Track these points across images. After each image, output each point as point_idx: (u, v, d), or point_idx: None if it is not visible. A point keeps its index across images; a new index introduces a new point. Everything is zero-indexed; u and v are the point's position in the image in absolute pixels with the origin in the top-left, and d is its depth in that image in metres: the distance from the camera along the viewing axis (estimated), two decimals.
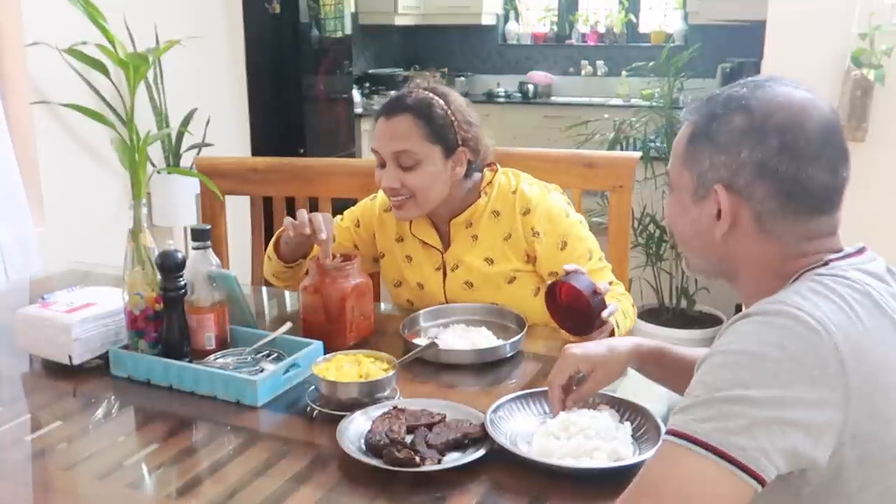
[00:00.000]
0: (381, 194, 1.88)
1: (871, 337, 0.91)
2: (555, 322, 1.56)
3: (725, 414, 0.87)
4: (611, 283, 1.74)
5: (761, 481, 0.86)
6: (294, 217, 1.68)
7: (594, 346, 1.31)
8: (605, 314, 1.48)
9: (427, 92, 1.72)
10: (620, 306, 1.61)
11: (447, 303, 1.80)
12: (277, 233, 1.85)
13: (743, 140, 0.98)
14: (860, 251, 1.02)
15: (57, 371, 1.54)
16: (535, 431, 1.24)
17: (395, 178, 1.70)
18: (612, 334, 1.57)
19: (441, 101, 1.71)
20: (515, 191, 1.77)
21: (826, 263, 0.98)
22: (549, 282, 1.55)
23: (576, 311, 1.49)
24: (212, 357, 1.51)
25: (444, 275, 1.81)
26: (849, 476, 0.91)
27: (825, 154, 0.98)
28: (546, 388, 1.36)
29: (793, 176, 0.97)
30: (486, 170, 1.81)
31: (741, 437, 0.86)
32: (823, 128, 0.98)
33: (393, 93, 1.80)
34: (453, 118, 1.70)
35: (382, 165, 1.73)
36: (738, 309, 1.09)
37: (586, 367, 1.28)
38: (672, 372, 1.28)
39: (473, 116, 1.76)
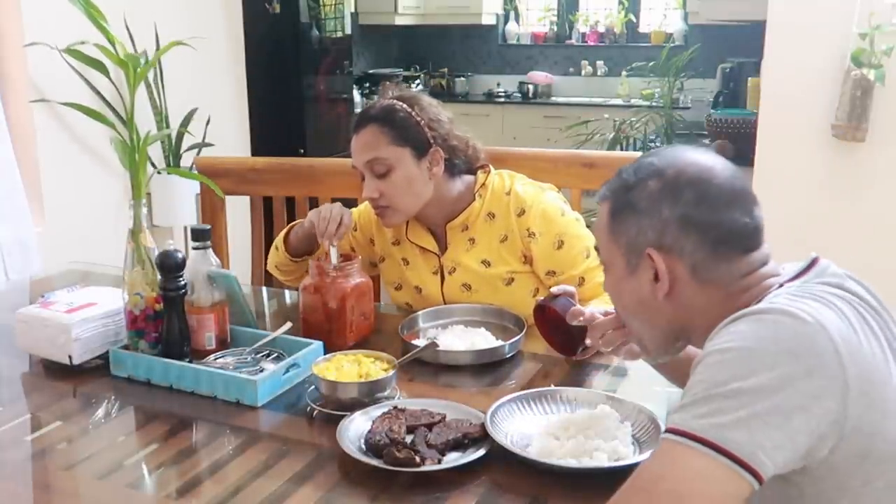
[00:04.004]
0: None
1: (857, 332, 0.93)
2: (542, 337, 1.56)
3: (722, 409, 0.87)
4: None
5: (758, 477, 0.86)
6: (315, 213, 1.70)
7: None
8: (588, 342, 1.42)
9: (391, 100, 1.74)
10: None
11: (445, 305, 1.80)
12: (290, 225, 1.87)
13: (661, 199, 1.03)
14: (813, 263, 1.04)
15: (57, 371, 1.54)
16: (536, 431, 1.24)
17: (374, 188, 1.71)
18: None
19: (404, 105, 1.72)
20: (509, 192, 1.77)
21: (781, 286, 1.01)
22: (539, 300, 1.55)
23: (561, 332, 1.50)
24: (212, 357, 1.51)
25: (442, 278, 1.81)
26: (852, 472, 0.91)
27: (737, 199, 1.03)
28: (547, 388, 1.36)
29: (714, 222, 1.02)
30: (479, 172, 1.81)
31: (738, 431, 0.86)
32: (731, 177, 1.05)
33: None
34: (419, 118, 1.71)
35: (363, 179, 1.74)
36: None
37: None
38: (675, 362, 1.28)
39: (444, 116, 1.77)
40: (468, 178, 1.81)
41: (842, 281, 1.00)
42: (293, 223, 1.87)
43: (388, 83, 1.83)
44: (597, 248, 1.16)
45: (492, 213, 1.77)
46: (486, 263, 1.77)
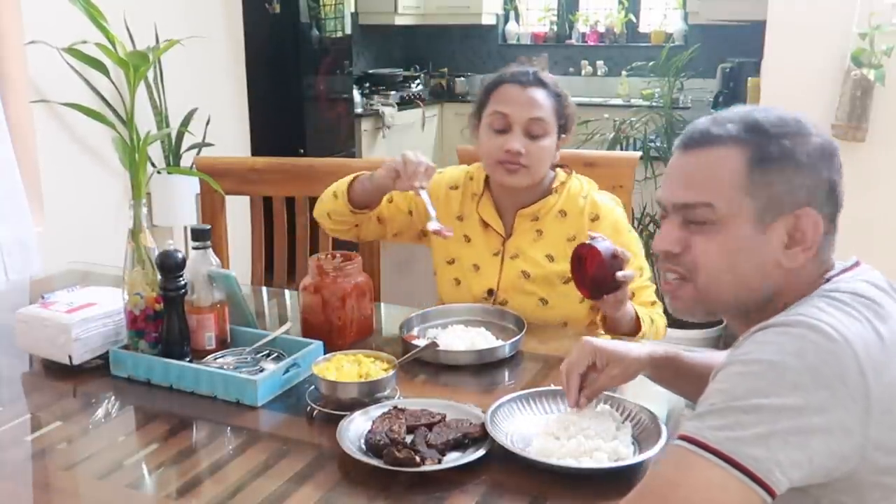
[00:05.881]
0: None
1: (887, 349, 0.90)
2: (575, 284, 1.60)
3: (741, 423, 0.86)
4: (653, 304, 1.79)
5: (771, 493, 0.85)
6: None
7: (612, 342, 1.30)
8: (619, 275, 1.53)
9: (552, 77, 1.83)
10: (635, 310, 1.67)
11: (498, 288, 1.81)
12: (354, 175, 1.82)
13: (822, 159, 0.97)
14: (856, 265, 1.02)
15: (57, 371, 1.54)
16: (536, 431, 1.24)
17: (523, 144, 1.75)
18: (637, 330, 1.65)
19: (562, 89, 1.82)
20: (587, 196, 1.82)
21: (828, 280, 0.99)
22: (582, 242, 1.59)
23: (594, 271, 1.54)
24: (212, 357, 1.51)
25: (502, 261, 1.82)
26: (871, 486, 0.90)
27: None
28: (547, 388, 1.36)
29: (841, 194, 0.99)
30: (559, 170, 1.86)
31: (756, 447, 0.84)
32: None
33: (512, 65, 1.85)
34: (567, 104, 1.81)
35: (501, 131, 1.76)
36: None
37: (602, 360, 1.25)
38: (685, 376, 1.27)
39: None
40: (551, 172, 1.85)
41: (885, 287, 0.98)
42: (357, 174, 1.82)
43: (523, 57, 1.89)
44: (690, 205, 1.00)
45: (564, 212, 1.81)
46: (551, 258, 1.79)
